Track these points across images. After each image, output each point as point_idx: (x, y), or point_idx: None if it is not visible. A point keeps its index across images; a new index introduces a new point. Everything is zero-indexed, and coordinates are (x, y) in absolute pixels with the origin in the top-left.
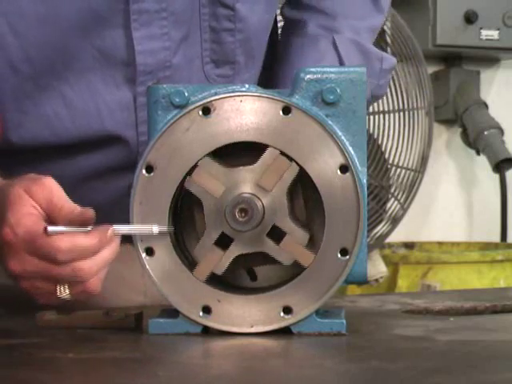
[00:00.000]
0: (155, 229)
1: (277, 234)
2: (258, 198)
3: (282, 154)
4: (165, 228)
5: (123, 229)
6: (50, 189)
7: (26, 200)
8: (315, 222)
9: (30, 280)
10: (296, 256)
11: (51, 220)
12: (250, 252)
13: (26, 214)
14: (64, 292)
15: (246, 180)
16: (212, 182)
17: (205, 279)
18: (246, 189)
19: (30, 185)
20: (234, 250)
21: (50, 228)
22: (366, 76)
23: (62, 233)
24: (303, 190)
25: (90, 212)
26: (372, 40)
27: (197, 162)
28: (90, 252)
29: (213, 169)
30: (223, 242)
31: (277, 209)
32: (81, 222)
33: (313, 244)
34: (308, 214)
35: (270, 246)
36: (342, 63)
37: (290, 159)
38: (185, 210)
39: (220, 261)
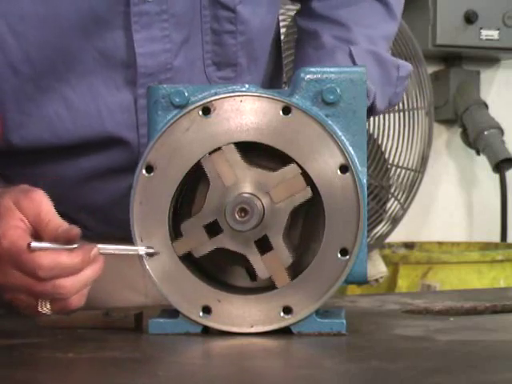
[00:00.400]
0: (142, 250)
1: (264, 246)
2: (262, 204)
3: (303, 174)
4: (151, 250)
5: (109, 248)
6: (39, 203)
7: (14, 213)
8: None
9: (13, 292)
10: (273, 274)
11: (38, 234)
12: (234, 250)
13: (13, 226)
14: (45, 307)
15: (258, 183)
16: (227, 169)
17: (180, 254)
18: (255, 191)
19: (19, 197)
20: (219, 241)
21: (34, 244)
22: (383, 85)
23: (45, 249)
24: (305, 216)
25: (75, 230)
26: (387, 48)
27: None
28: (72, 270)
29: (233, 158)
30: (213, 229)
31: (275, 222)
32: (66, 240)
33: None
34: (302, 239)
35: (253, 253)
36: None
37: (307, 183)
38: (185, 209)
39: (202, 245)
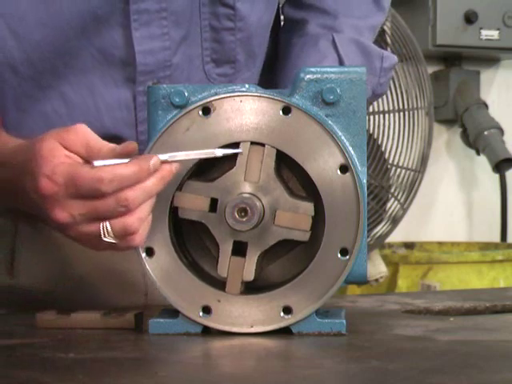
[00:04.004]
0: (218, 152)
1: (240, 248)
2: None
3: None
4: (229, 150)
5: (178, 155)
6: (84, 133)
7: (58, 151)
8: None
9: (77, 226)
10: (230, 278)
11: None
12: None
13: (59, 163)
14: (109, 235)
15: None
16: (256, 168)
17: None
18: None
19: (63, 135)
20: (207, 218)
21: (96, 162)
22: (367, 74)
23: (108, 165)
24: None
25: (132, 144)
26: (373, 38)
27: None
28: (131, 180)
29: (267, 162)
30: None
31: (263, 239)
32: (125, 156)
33: (312, 244)
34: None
35: (226, 248)
36: (341, 62)
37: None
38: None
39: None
